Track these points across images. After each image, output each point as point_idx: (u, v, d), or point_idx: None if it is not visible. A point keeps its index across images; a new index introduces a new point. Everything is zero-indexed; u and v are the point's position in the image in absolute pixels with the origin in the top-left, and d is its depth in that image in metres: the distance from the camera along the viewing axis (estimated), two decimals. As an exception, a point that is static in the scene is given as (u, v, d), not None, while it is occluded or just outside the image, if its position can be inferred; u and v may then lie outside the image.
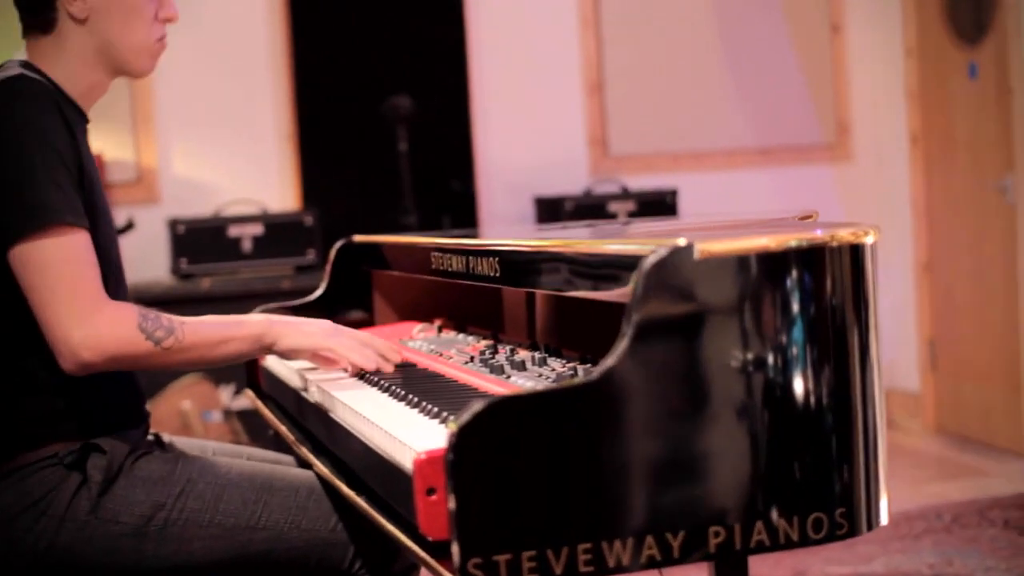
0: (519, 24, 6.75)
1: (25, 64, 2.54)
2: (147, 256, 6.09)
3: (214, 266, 5.95)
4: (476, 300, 3.03)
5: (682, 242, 1.70)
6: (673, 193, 6.55)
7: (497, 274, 2.38)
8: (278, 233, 6.01)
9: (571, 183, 6.70)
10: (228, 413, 5.53)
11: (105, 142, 6.15)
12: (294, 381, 2.79)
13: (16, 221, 2.33)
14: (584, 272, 1.98)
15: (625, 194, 6.55)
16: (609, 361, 1.64)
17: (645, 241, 1.78)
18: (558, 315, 2.59)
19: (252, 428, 5.50)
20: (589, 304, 2.14)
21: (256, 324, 2.54)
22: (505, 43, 6.72)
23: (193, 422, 5.41)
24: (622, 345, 1.65)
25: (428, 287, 3.26)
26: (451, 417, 1.91)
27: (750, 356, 1.72)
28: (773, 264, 1.74)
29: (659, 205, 6.51)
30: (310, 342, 2.57)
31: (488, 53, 6.69)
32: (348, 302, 3.50)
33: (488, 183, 6.69)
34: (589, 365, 2.20)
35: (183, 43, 5.99)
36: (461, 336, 2.94)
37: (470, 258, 2.51)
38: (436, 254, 2.74)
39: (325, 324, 2.62)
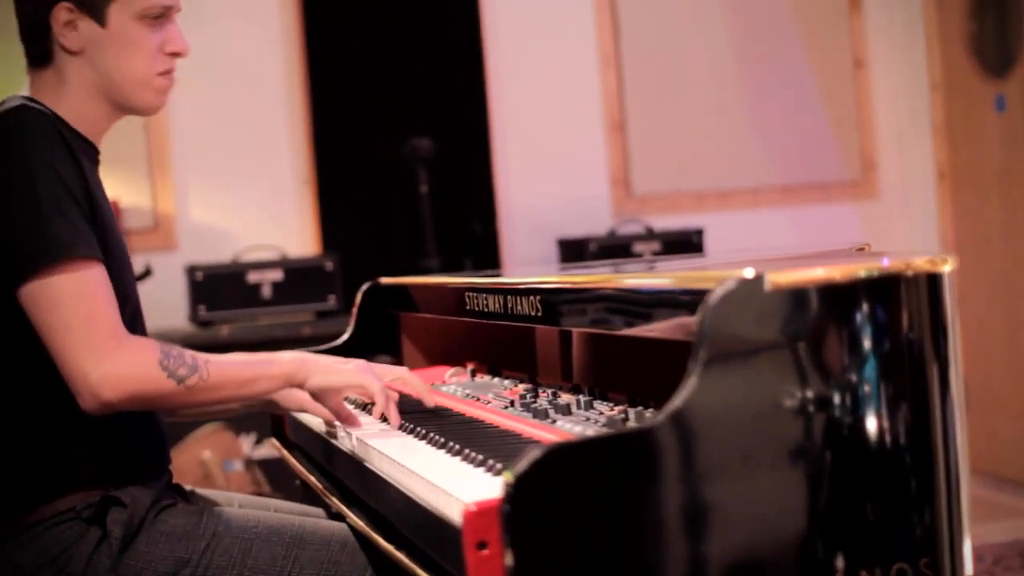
0: (539, 63, 6.66)
1: (27, 98, 2.44)
2: (165, 304, 5.98)
3: (233, 313, 5.84)
4: (508, 341, 2.92)
5: (750, 274, 1.58)
6: (699, 232, 6.43)
7: (539, 314, 2.27)
8: (298, 279, 5.90)
9: (594, 224, 6.59)
10: (250, 463, 5.41)
11: (121, 188, 6.06)
12: (322, 428, 2.68)
13: (24, 258, 2.23)
14: (640, 309, 1.87)
15: (650, 234, 6.44)
16: (676, 402, 1.52)
17: (709, 274, 1.66)
18: (598, 355, 2.47)
19: (275, 478, 5.38)
20: (633, 343, 2.03)
21: (287, 362, 2.43)
22: (525, 83, 6.62)
23: (214, 472, 5.29)
24: (690, 385, 1.53)
25: (457, 329, 3.15)
26: (499, 465, 1.80)
27: (825, 393, 1.60)
28: (848, 296, 1.63)
29: (685, 245, 6.39)
30: (342, 380, 2.45)
31: (508, 93, 6.60)
32: (375, 346, 3.39)
33: (510, 225, 6.59)
34: (642, 408, 2.08)
35: (199, 87, 5.91)
36: (496, 380, 2.83)
37: (509, 297, 2.40)
38: (471, 294, 2.62)
39: (359, 362, 2.51)
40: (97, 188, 2.41)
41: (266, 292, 5.87)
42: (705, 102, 6.90)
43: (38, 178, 2.25)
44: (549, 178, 6.66)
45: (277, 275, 5.89)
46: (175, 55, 2.54)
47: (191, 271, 5.82)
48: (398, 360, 3.40)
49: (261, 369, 2.41)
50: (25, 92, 2.51)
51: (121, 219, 6.02)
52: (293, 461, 2.97)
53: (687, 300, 1.67)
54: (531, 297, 2.28)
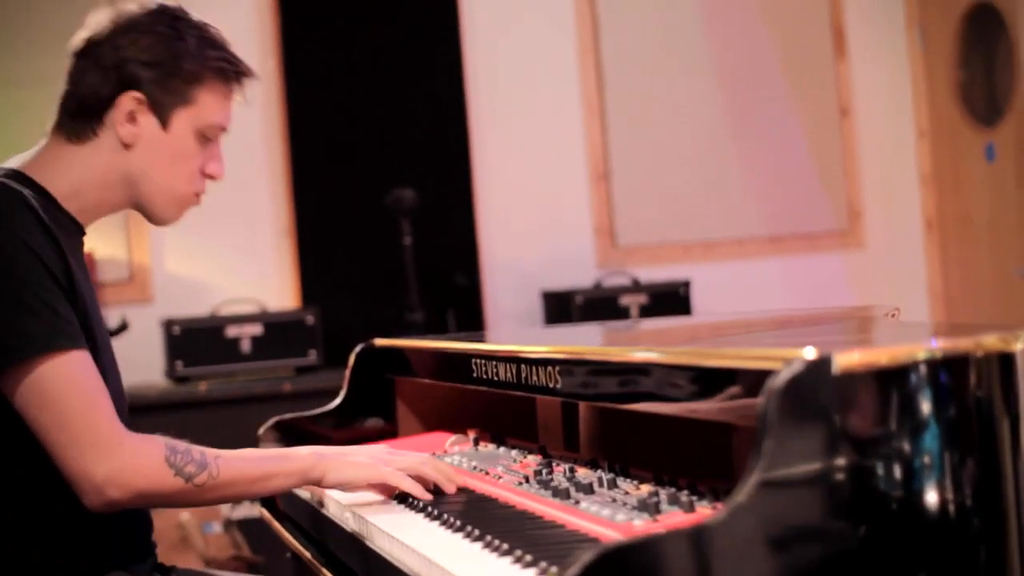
0: (522, 112, 6.56)
1: (12, 173, 2.30)
2: (140, 358, 5.81)
3: (211, 368, 5.69)
4: (515, 409, 2.78)
5: (813, 354, 1.45)
6: (686, 285, 6.33)
7: (557, 385, 2.13)
8: (278, 333, 5.76)
9: (579, 276, 6.48)
10: (229, 524, 5.25)
11: (96, 239, 5.91)
12: (313, 498, 2.54)
13: (4, 352, 2.09)
14: (678, 388, 1.73)
15: (636, 287, 6.33)
16: (740, 498, 1.38)
17: (767, 353, 1.53)
18: (620, 430, 2.33)
19: (254, 540, 5.22)
20: (662, 419, 1.90)
21: (302, 458, 2.30)
22: (508, 132, 6.52)
23: (192, 534, 5.13)
24: (753, 479, 1.39)
25: (459, 395, 3.01)
26: (528, 556, 1.66)
27: (896, 481, 1.47)
28: (917, 377, 1.49)
29: (672, 297, 6.29)
30: (360, 475, 2.30)
31: (491, 142, 6.49)
32: (369, 410, 3.25)
33: (493, 277, 6.46)
34: (673, 490, 1.94)
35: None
36: (502, 450, 2.68)
37: (523, 366, 2.27)
38: (479, 361, 2.49)
39: (377, 451, 2.38)
40: (79, 270, 2.26)
41: (245, 347, 5.73)
42: (690, 151, 6.80)
43: (16, 264, 2.12)
44: (533, 229, 6.55)
45: (256, 329, 5.75)
46: (210, 177, 2.45)
47: (168, 325, 5.67)
48: (392, 425, 3.26)
49: (275, 466, 2.28)
50: (16, 162, 2.37)
51: (95, 271, 5.87)
52: (284, 533, 2.82)
53: (740, 381, 1.54)
54: (549, 367, 2.15)
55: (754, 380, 1.49)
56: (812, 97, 7.01)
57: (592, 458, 2.34)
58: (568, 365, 2.11)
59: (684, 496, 1.86)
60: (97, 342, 2.25)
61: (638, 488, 2.03)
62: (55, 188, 2.31)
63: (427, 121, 6.42)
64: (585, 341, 2.94)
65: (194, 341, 5.69)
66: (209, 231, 6.15)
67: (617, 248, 6.67)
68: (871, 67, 7.04)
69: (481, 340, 3.24)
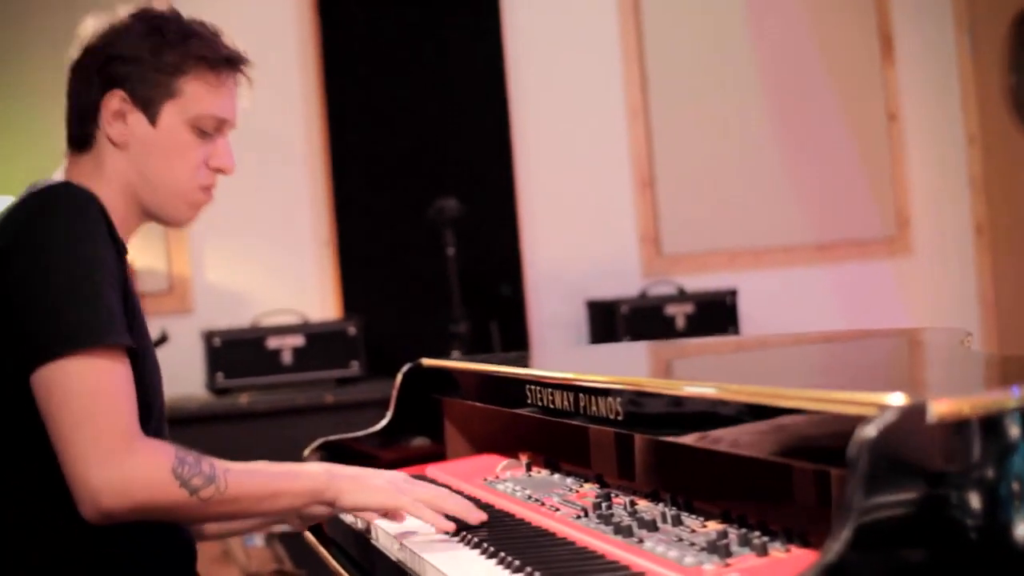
0: (566, 119, 6.48)
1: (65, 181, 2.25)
2: (180, 370, 5.74)
3: (252, 380, 5.62)
4: (570, 436, 2.69)
5: (905, 400, 1.36)
6: (733, 293, 6.23)
7: (619, 418, 2.04)
8: (319, 344, 5.69)
9: (624, 285, 6.39)
10: (271, 538, 5.18)
11: (135, 249, 5.81)
12: (360, 525, 2.45)
13: (45, 341, 2.03)
14: (755, 428, 1.64)
15: (682, 296, 6.24)
16: (829, 557, 1.29)
17: (852, 397, 1.43)
18: (685, 465, 2.23)
19: (297, 554, 5.15)
20: (733, 457, 1.81)
21: (314, 477, 2.21)
22: (552, 140, 6.44)
23: (234, 548, 5.06)
24: (843, 537, 1.30)
25: (506, 416, 2.92)
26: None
27: (994, 532, 1.38)
28: (1015, 425, 1.40)
29: (718, 307, 6.19)
30: (376, 500, 2.22)
31: (535, 150, 6.41)
32: (416, 430, 3.16)
33: (537, 287, 6.38)
34: (745, 530, 1.85)
35: (216, 146, 5.71)
36: (556, 476, 2.59)
37: (582, 396, 2.18)
38: (534, 387, 2.40)
39: (394, 477, 2.28)
40: (132, 289, 2.21)
41: (286, 358, 5.66)
42: (736, 157, 6.71)
43: (77, 257, 2.09)
44: (577, 238, 6.47)
45: (298, 340, 5.68)
46: (219, 171, 2.39)
47: (208, 337, 5.61)
48: (440, 446, 3.17)
49: (285, 483, 2.19)
50: (59, 175, 2.33)
51: (135, 282, 5.82)
52: (330, 559, 2.73)
53: (824, 425, 1.45)
54: (611, 399, 2.06)
55: (843, 425, 1.40)
56: (859, 102, 6.90)
57: (653, 489, 2.25)
58: (630, 397, 2.02)
59: (755, 537, 1.77)
60: (144, 356, 2.19)
61: (704, 525, 1.94)
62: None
63: (470, 130, 6.34)
64: (643, 366, 2.85)
65: (235, 353, 5.62)
66: (249, 241, 6.09)
67: (662, 256, 6.57)
68: (919, 72, 6.94)
69: (532, 363, 3.15)
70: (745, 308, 6.36)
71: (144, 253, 5.94)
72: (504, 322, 6.17)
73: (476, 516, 2.21)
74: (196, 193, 2.37)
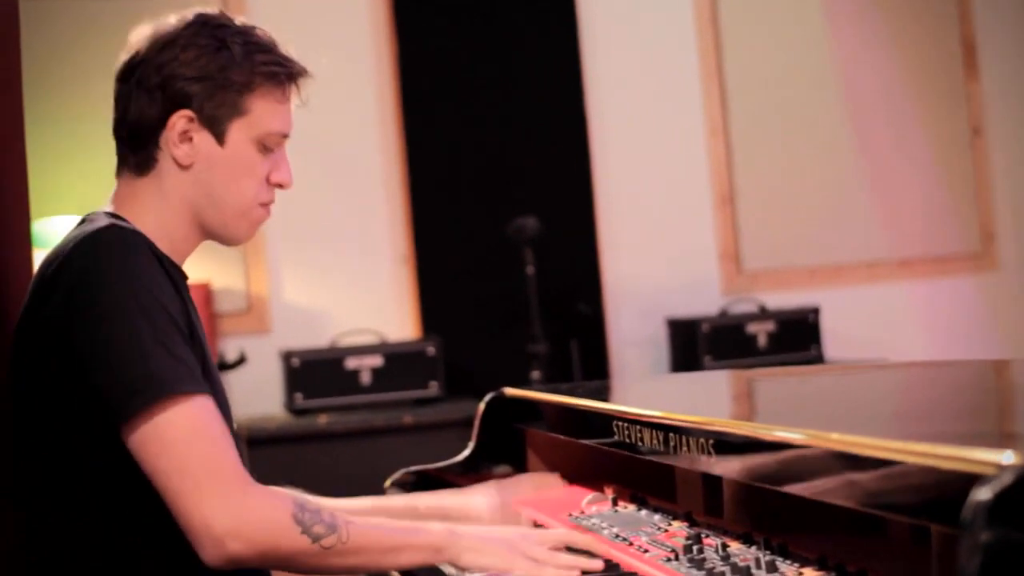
0: (645, 135, 6.43)
1: (112, 215, 2.21)
2: (258, 390, 5.75)
3: (331, 401, 5.60)
4: (659, 473, 2.63)
5: (1016, 459, 1.30)
6: (815, 311, 6.16)
7: (710, 458, 1.99)
8: (398, 364, 5.66)
9: (704, 302, 6.32)
10: None
11: (213, 269, 5.86)
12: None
13: (127, 397, 1.99)
14: (857, 479, 1.58)
15: (763, 314, 6.17)
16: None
17: (960, 453, 1.38)
18: (780, 511, 2.17)
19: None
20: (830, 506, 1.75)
21: (436, 534, 2.16)
22: (631, 156, 6.40)
23: None
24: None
25: (597, 452, 2.87)
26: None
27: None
28: None
29: (801, 325, 6.12)
30: (495, 561, 2.17)
31: (614, 167, 6.37)
32: (498, 461, 3.12)
33: (617, 305, 6.33)
34: (842, 580, 1.79)
35: (294, 164, 5.68)
36: (643, 513, 2.53)
37: (671, 435, 2.13)
38: (620, 424, 2.35)
39: (513, 535, 2.23)
40: (196, 317, 2.18)
41: (365, 379, 5.64)
42: (817, 172, 6.64)
43: (136, 305, 2.03)
44: (656, 255, 6.41)
45: (376, 361, 5.66)
46: (279, 186, 2.32)
47: (287, 357, 5.59)
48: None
49: (407, 538, 2.15)
50: (107, 207, 2.28)
51: (213, 302, 5.82)
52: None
53: (923, 477, 1.40)
54: (703, 440, 2.00)
55: (946, 479, 1.34)
56: (942, 116, 6.82)
57: (745, 531, 2.19)
58: (720, 438, 1.97)
59: (856, 590, 1.71)
60: (214, 387, 2.16)
61: (801, 574, 1.88)
62: (144, 229, 2.20)
63: (548, 148, 6.31)
64: (732, 403, 2.80)
65: (313, 373, 5.61)
66: (327, 260, 6.08)
67: (743, 273, 6.51)
68: (1004, 84, 6.84)
69: (617, 395, 3.10)
70: (827, 324, 6.29)
71: (222, 273, 5.94)
72: (584, 341, 6.12)
73: (594, 564, 2.17)
74: (257, 211, 2.31)
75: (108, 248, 2.08)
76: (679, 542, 2.19)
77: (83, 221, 2.23)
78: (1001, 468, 1.31)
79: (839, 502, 1.65)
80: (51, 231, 5.01)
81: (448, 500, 2.65)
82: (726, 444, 1.97)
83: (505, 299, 5.96)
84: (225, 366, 5.42)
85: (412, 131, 6.17)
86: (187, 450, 1.99)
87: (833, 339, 6.32)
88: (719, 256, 6.50)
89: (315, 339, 5.86)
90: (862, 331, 6.50)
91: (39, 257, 2.32)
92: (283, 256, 6.05)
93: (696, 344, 5.99)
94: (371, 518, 2.18)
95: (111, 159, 2.33)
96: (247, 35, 2.28)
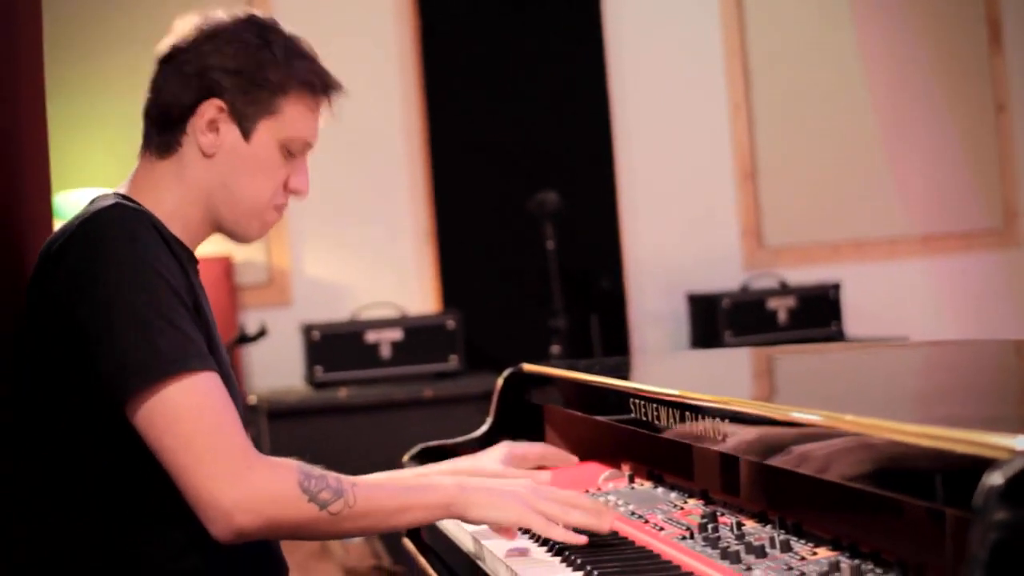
0: (667, 111, 6.42)
1: (121, 196, 2.23)
2: (279, 363, 5.77)
3: (351, 374, 5.61)
4: (676, 450, 2.63)
5: (1025, 445, 1.30)
6: (836, 287, 6.15)
7: (725, 440, 1.99)
8: (418, 338, 5.67)
9: (726, 278, 6.32)
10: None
11: (235, 243, 5.86)
12: (468, 545, 2.41)
13: (131, 373, 2.00)
14: (868, 463, 1.58)
15: (784, 289, 6.16)
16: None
17: (974, 437, 1.37)
18: (794, 491, 2.17)
19: (395, 550, 5.14)
20: (843, 487, 1.75)
21: (445, 490, 2.16)
22: (653, 132, 6.39)
23: (332, 543, 5.06)
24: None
25: (614, 429, 2.87)
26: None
27: None
28: None
29: (822, 301, 6.11)
30: (505, 516, 2.17)
31: (635, 143, 6.35)
32: (516, 436, 3.12)
33: (638, 280, 6.33)
34: (857, 561, 1.79)
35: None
36: (660, 490, 2.54)
37: (687, 413, 2.13)
38: (637, 401, 2.35)
39: (523, 488, 2.22)
40: (203, 297, 2.19)
41: (385, 352, 5.65)
42: (839, 148, 6.62)
43: (140, 282, 2.04)
44: (678, 230, 6.41)
45: (396, 334, 5.67)
46: (294, 193, 2.35)
47: (307, 331, 5.61)
48: (541, 452, 3.13)
49: (416, 497, 2.15)
50: (122, 188, 2.29)
51: (234, 275, 5.84)
52: (427, 567, 2.70)
53: (938, 460, 1.40)
54: (718, 419, 2.00)
55: (962, 463, 1.34)
56: (966, 92, 6.79)
57: (760, 510, 2.19)
58: (735, 417, 1.97)
59: (869, 570, 1.71)
60: (220, 364, 2.16)
61: (814, 553, 1.88)
62: (158, 210, 2.23)
63: (570, 123, 6.30)
64: (749, 382, 2.80)
65: (334, 346, 5.62)
66: (349, 234, 6.09)
67: (764, 248, 6.50)
68: (1029, 59, 6.81)
69: (635, 372, 3.10)
70: (848, 301, 6.28)
71: (244, 246, 5.93)
72: (604, 316, 6.13)
73: (605, 523, 2.17)
74: (271, 212, 2.33)
75: (112, 226, 2.09)
76: (695, 520, 2.19)
77: (92, 202, 2.24)
78: (1014, 453, 1.31)
79: (853, 484, 1.65)
80: (72, 204, 5.03)
81: (460, 464, 2.66)
82: (741, 423, 1.97)
83: (526, 273, 5.97)
84: (246, 339, 5.44)
85: (434, 106, 6.17)
86: (193, 427, 2.00)
87: (854, 315, 6.32)
88: (741, 232, 6.49)
89: (336, 312, 5.88)
90: (883, 307, 6.49)
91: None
92: (305, 230, 6.06)
93: (716, 320, 5.99)
94: (377, 477, 2.19)
95: (131, 132, 2.35)
96: (291, 40, 2.31)
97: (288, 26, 2.36)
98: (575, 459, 2.79)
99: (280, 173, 2.30)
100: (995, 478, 1.28)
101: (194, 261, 2.31)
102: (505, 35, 6.26)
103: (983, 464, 1.32)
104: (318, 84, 2.32)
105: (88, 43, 5.70)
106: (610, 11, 6.35)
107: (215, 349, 2.18)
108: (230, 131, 2.25)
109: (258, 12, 2.36)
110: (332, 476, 2.09)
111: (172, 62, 2.28)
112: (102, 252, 2.06)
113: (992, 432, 1.37)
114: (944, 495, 1.43)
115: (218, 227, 2.32)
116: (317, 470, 2.08)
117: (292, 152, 2.31)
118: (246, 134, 2.26)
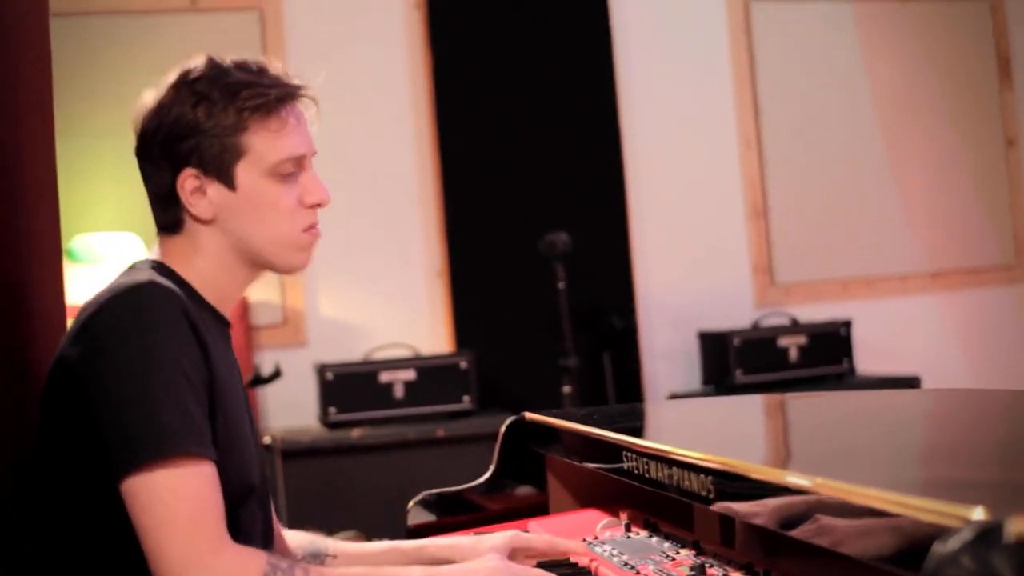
0: (678, 149, 6.47)
1: (157, 265, 2.27)
2: (293, 403, 5.82)
3: (365, 414, 5.65)
4: (669, 500, 2.67)
5: (984, 515, 1.34)
6: (847, 325, 6.17)
7: (711, 496, 2.04)
8: (431, 378, 5.71)
9: (736, 315, 6.35)
10: None
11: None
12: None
13: (128, 448, 2.03)
14: (841, 525, 1.63)
15: (795, 327, 6.19)
16: None
17: (931, 505, 1.42)
18: (774, 546, 2.22)
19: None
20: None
21: None
22: (663, 170, 6.43)
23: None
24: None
25: (611, 479, 2.92)
26: None
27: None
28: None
29: (832, 338, 6.14)
30: None
31: (646, 180, 6.40)
32: (519, 483, 3.17)
33: (649, 318, 6.36)
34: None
35: (328, 179, 5.73)
36: (655, 540, 2.58)
37: (674, 469, 2.17)
38: (629, 455, 2.40)
39: (494, 567, 2.27)
40: (225, 369, 2.22)
41: (398, 392, 5.69)
42: (850, 185, 6.65)
43: (155, 364, 2.06)
44: (689, 268, 6.45)
45: (409, 374, 5.71)
46: (316, 206, 2.34)
47: (321, 371, 5.65)
48: (543, 496, 3.18)
49: None
50: (156, 254, 2.33)
51: (250, 315, 5.89)
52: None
53: (911, 529, 1.44)
54: (701, 476, 2.05)
55: (928, 532, 1.38)
56: (976, 127, 6.82)
57: (748, 562, 2.23)
58: (717, 475, 2.01)
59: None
60: (238, 442, 2.20)
61: (795, 607, 1.93)
62: (191, 278, 2.28)
63: (581, 162, 6.34)
64: (740, 440, 2.83)
65: (347, 387, 5.66)
66: (362, 275, 6.14)
67: (775, 285, 6.53)
68: (1039, 95, 6.84)
69: (627, 424, 3.14)
70: (859, 337, 6.30)
71: (259, 286, 5.94)
72: (616, 354, 6.16)
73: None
74: (301, 236, 2.32)
75: (138, 304, 2.11)
76: (684, 571, 2.24)
77: (131, 268, 2.28)
78: (966, 522, 1.35)
79: (823, 544, 1.69)
80: (87, 247, 5.09)
81: (462, 541, 2.67)
82: (720, 482, 2.01)
83: (538, 313, 6.00)
84: (260, 379, 5.49)
85: (446, 146, 6.22)
86: (173, 508, 2.02)
87: (865, 352, 6.34)
88: (752, 269, 6.52)
89: (349, 353, 5.93)
90: (894, 344, 6.51)
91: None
92: (319, 270, 6.11)
93: (728, 357, 6.02)
94: (348, 569, 2.20)
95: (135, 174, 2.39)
96: (227, 74, 2.28)
97: (224, 54, 2.33)
98: (581, 547, 2.78)
99: (285, 199, 2.30)
100: (944, 547, 1.32)
101: (226, 326, 2.34)
102: (517, 76, 6.31)
103: (941, 534, 1.36)
104: (272, 102, 2.28)
105: (99, 85, 5.75)
106: (621, 49, 6.40)
107: (235, 420, 2.22)
108: (216, 190, 2.26)
109: (190, 63, 2.32)
110: (300, 567, 2.11)
111: (141, 152, 2.31)
112: (121, 329, 2.09)
113: (949, 501, 1.41)
114: (903, 561, 1.47)
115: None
116: (286, 561, 2.10)
117: (286, 174, 2.30)
118: (230, 185, 2.26)
